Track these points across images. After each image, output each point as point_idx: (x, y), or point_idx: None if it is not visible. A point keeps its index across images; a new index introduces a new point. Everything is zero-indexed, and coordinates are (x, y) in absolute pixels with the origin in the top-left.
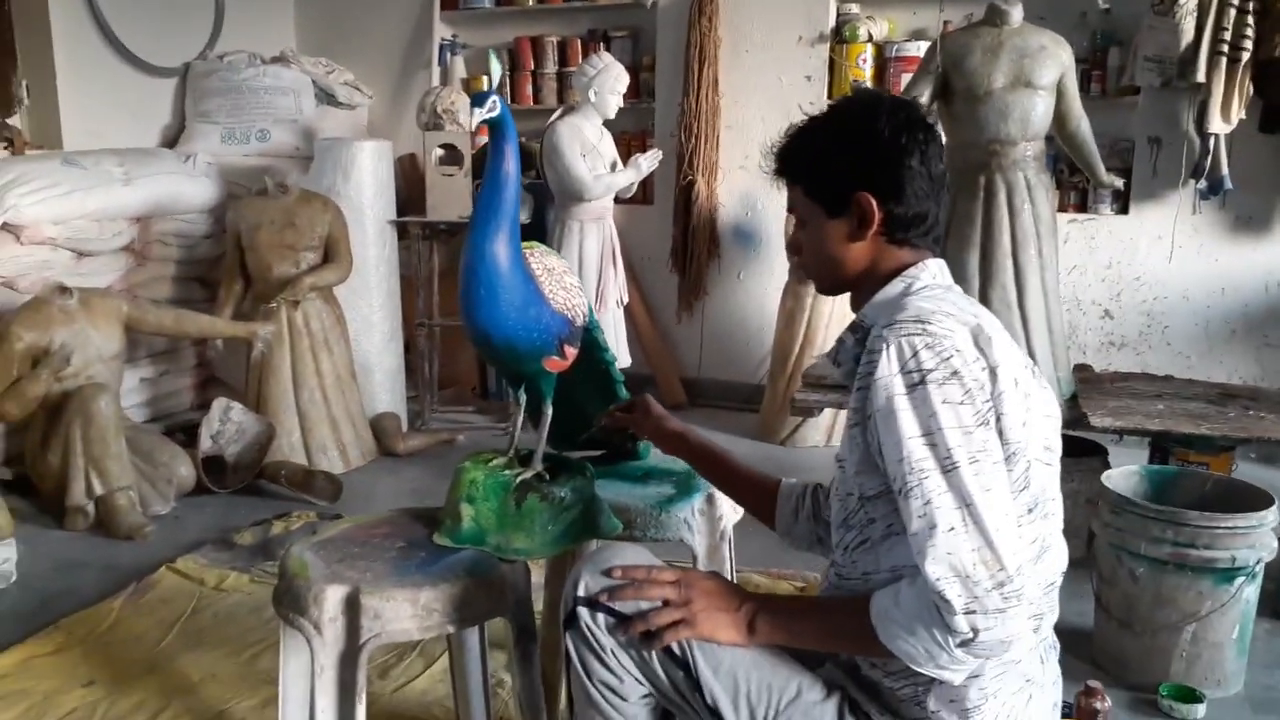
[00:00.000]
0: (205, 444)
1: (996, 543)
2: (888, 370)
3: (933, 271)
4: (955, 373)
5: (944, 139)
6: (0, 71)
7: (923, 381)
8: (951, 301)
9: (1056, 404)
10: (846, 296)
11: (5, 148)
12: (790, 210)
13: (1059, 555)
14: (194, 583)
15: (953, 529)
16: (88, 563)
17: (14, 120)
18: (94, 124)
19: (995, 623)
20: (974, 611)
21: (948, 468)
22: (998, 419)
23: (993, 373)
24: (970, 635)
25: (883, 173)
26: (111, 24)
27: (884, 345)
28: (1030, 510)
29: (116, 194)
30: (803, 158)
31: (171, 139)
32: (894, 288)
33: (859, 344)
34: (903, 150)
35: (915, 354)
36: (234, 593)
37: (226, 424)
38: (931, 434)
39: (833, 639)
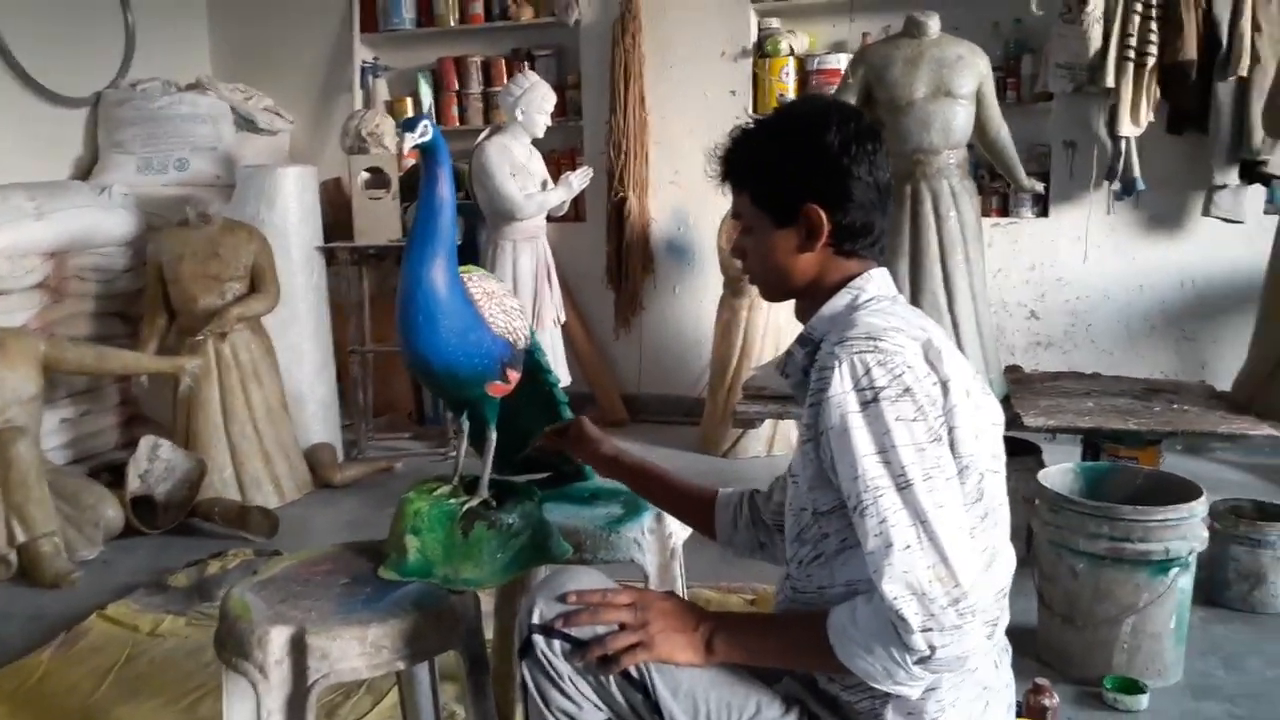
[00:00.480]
0: (133, 484)
1: (952, 559)
2: (840, 388)
3: (878, 282)
4: (907, 389)
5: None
6: None
7: (875, 399)
8: (900, 316)
9: (1000, 411)
10: (784, 306)
11: None
12: (735, 216)
13: (1008, 561)
14: (127, 629)
15: (909, 547)
16: (11, 614)
17: None
18: (0, 158)
19: (952, 639)
20: (931, 629)
21: (902, 485)
22: (950, 432)
23: (944, 386)
24: (928, 653)
25: (832, 185)
26: (15, 53)
27: (836, 363)
28: (982, 519)
29: (28, 229)
30: (749, 165)
31: (85, 171)
32: (840, 300)
33: (808, 357)
34: (852, 161)
35: (868, 371)
36: (170, 637)
37: (155, 462)
38: (885, 451)
39: (790, 656)
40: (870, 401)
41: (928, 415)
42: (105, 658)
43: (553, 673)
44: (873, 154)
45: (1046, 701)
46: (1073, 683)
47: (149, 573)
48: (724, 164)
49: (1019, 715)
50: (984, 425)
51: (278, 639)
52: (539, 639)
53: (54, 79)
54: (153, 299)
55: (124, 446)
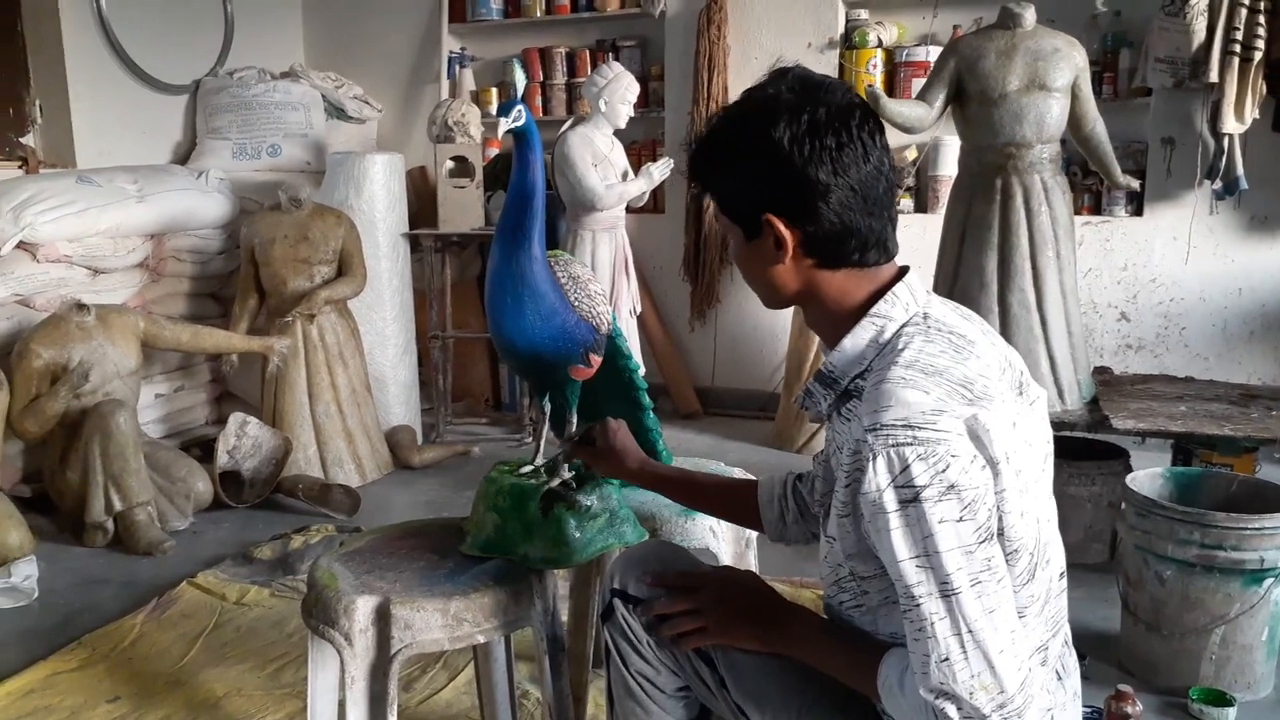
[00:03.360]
0: (222, 459)
1: (998, 666)
2: (875, 485)
3: (904, 301)
4: (952, 486)
5: (959, 141)
6: (14, 91)
7: (916, 499)
8: (939, 372)
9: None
10: None
11: (20, 167)
12: (716, 219)
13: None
14: (215, 597)
15: (947, 659)
16: (108, 579)
17: (28, 139)
18: (106, 142)
19: None
20: None
21: (946, 592)
22: (1000, 519)
23: (994, 468)
24: None
25: (787, 193)
26: (123, 43)
27: (871, 455)
28: (1034, 598)
29: (131, 211)
30: (708, 170)
31: (183, 156)
32: (863, 334)
33: (835, 398)
34: (806, 163)
35: (906, 467)
36: (255, 607)
37: (243, 439)
38: (928, 556)
39: (844, 675)
40: (910, 501)
41: (976, 513)
42: (195, 624)
43: (632, 636)
44: (836, 149)
45: (1129, 709)
46: (1157, 692)
47: (235, 544)
48: (692, 167)
49: None
50: (1029, 475)
51: (363, 608)
52: (619, 604)
53: (157, 67)
54: (245, 281)
55: (214, 423)
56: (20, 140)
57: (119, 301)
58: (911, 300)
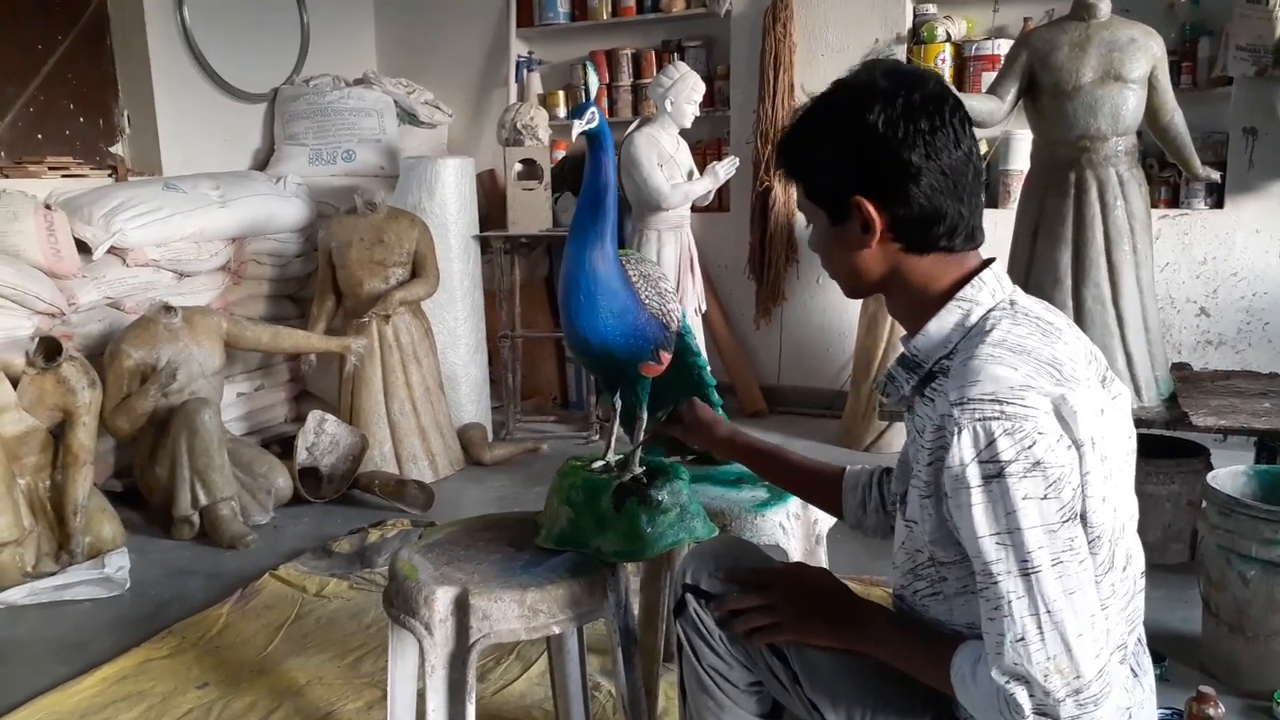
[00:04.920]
0: (301, 456)
1: (1076, 650)
2: (960, 459)
3: (990, 287)
4: (1038, 463)
5: (1031, 135)
6: (103, 103)
7: (1000, 474)
8: (1027, 352)
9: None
10: None
11: (110, 175)
12: (799, 208)
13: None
14: (296, 589)
15: (1022, 639)
16: (195, 570)
17: (117, 148)
18: (190, 150)
19: None
20: (1045, 714)
21: (1026, 570)
22: (1083, 502)
23: (1079, 450)
24: None
25: (879, 173)
26: (206, 54)
27: (956, 429)
28: (1114, 589)
29: (213, 216)
30: (797, 155)
31: (262, 162)
32: (948, 318)
33: (917, 382)
34: (900, 145)
35: (992, 442)
36: (334, 599)
37: (321, 436)
38: (1010, 533)
39: (919, 671)
40: (994, 476)
41: (1061, 492)
42: (277, 614)
43: (704, 631)
44: (930, 132)
45: (1211, 711)
46: (1240, 695)
47: (314, 538)
48: (779, 154)
49: None
50: (1115, 462)
51: (443, 598)
52: (691, 599)
53: (237, 77)
54: (322, 282)
55: (293, 421)
56: (110, 149)
57: (203, 304)
58: (998, 286)
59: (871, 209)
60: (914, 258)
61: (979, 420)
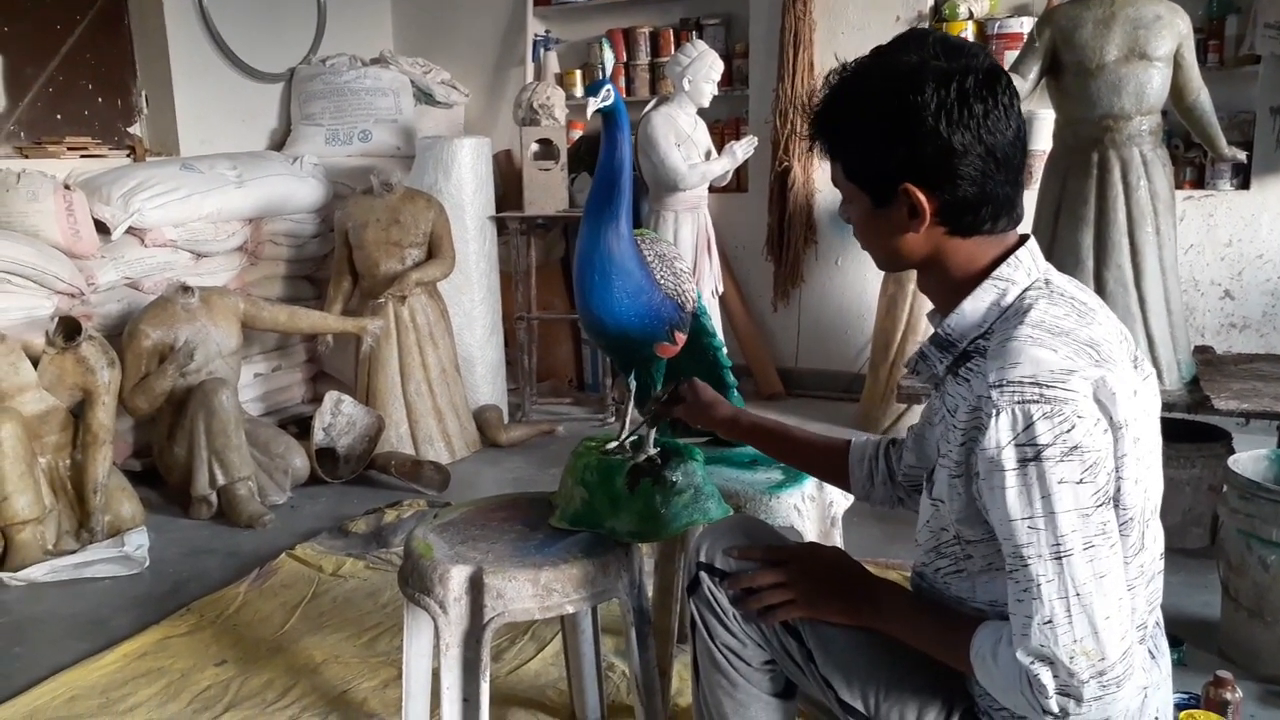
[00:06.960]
0: (318, 436)
1: (1102, 633)
2: (995, 441)
3: (1026, 266)
4: (1076, 447)
5: (1053, 115)
6: (122, 83)
7: (1037, 458)
8: (1066, 333)
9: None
10: None
11: (128, 155)
12: (834, 183)
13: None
14: (313, 569)
15: (1050, 621)
16: (213, 549)
17: (135, 129)
18: (208, 130)
19: (1091, 708)
20: (1068, 695)
21: (1059, 554)
22: (1117, 484)
23: (1116, 433)
24: (1063, 716)
25: (932, 160)
26: (223, 34)
27: (995, 411)
28: (1142, 568)
29: (230, 196)
30: (839, 133)
31: (279, 142)
32: (984, 297)
33: (949, 362)
34: (955, 128)
35: (1030, 425)
36: (350, 578)
37: (338, 416)
38: (1044, 516)
39: (936, 651)
40: (1031, 460)
41: (1097, 476)
42: (294, 593)
43: (718, 610)
44: (984, 115)
45: (1228, 695)
46: (1259, 680)
47: (331, 518)
48: (813, 126)
49: (1199, 707)
50: (1146, 445)
51: (458, 577)
52: (705, 577)
53: (255, 57)
54: (339, 263)
55: (310, 401)
56: (128, 130)
57: (220, 284)
58: (1034, 265)
59: (921, 196)
60: (957, 240)
61: (1018, 403)
